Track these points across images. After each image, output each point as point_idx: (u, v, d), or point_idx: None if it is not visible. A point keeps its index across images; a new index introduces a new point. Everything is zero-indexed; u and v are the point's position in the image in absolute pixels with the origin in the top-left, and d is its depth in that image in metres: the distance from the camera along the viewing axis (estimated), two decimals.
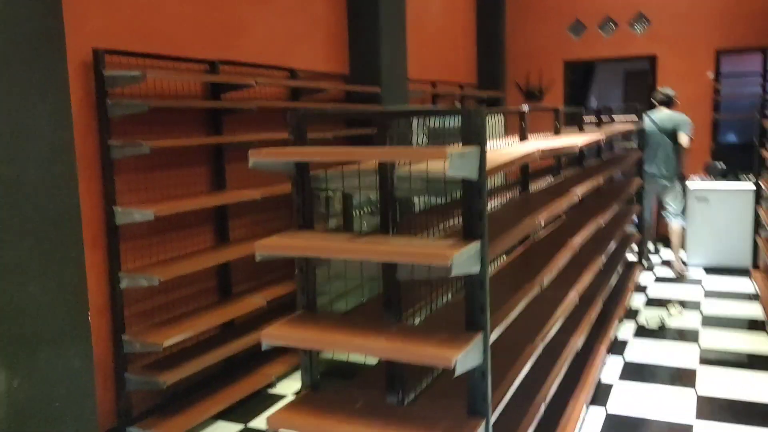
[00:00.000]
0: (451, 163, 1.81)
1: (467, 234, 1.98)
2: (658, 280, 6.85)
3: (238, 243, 4.27)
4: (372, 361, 2.51)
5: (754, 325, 5.39)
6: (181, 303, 4.03)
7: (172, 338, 3.49)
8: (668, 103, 6.84)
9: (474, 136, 1.96)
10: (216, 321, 3.90)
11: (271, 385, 4.33)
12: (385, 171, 2.10)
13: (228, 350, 3.93)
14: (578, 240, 3.57)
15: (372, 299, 2.57)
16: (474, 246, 1.92)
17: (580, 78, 10.09)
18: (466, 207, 1.97)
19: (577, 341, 3.61)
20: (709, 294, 6.27)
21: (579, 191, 3.50)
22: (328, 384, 2.31)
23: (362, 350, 2.04)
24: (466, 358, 1.89)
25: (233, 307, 4.10)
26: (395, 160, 2.16)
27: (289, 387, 4.35)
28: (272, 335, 2.04)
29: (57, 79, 2.64)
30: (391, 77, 5.86)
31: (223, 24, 4.34)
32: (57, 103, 2.63)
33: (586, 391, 3.70)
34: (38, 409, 2.49)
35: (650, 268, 7.32)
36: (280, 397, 4.22)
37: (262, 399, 4.16)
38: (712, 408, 3.88)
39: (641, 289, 6.46)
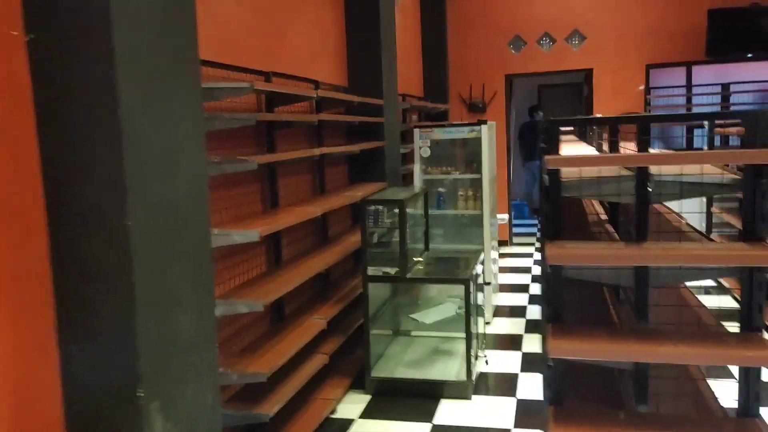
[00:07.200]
0: None
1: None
2: None
3: (293, 264, 4.05)
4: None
5: None
6: (244, 330, 3.76)
7: (274, 365, 3.24)
8: None
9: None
10: (293, 347, 3.66)
11: (333, 411, 4.13)
12: (644, 175, 2.09)
13: (303, 376, 3.71)
14: None
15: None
16: None
17: None
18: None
19: None
20: None
21: None
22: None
23: (686, 359, 2.01)
24: None
25: (297, 330, 3.87)
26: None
27: (351, 410, 4.17)
28: (563, 350, 1.96)
29: (195, 101, 2.41)
30: (389, 90, 5.82)
31: (270, 34, 4.12)
32: (196, 121, 2.40)
33: None
34: None
35: None
36: (348, 422, 4.04)
37: (330, 426, 3.97)
38: None
39: None
